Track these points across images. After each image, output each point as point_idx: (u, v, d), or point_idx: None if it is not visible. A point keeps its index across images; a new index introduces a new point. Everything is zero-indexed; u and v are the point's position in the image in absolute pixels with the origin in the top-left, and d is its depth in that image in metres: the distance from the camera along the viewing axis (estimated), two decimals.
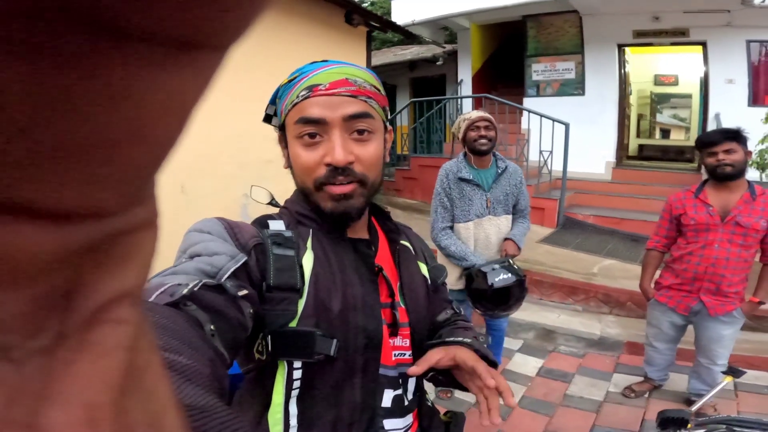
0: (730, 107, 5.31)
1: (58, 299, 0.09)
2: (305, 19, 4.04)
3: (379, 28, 5.20)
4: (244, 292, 0.56)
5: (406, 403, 0.74)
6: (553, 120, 4.84)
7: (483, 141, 2.14)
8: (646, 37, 6.03)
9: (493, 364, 0.70)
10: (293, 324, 0.63)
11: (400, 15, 7.31)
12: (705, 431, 1.25)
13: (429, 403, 0.81)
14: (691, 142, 7.06)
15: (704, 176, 2.19)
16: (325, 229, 0.71)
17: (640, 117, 8.48)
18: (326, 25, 4.34)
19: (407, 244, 0.83)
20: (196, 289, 0.49)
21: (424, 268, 0.83)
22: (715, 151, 2.01)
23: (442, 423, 0.81)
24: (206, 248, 0.58)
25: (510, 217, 2.29)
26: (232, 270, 0.56)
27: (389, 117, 0.75)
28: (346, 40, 4.64)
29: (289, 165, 0.72)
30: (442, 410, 0.84)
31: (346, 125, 0.66)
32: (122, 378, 0.10)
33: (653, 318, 2.38)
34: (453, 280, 2.20)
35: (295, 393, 0.65)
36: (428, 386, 0.84)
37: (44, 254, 0.09)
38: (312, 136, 0.66)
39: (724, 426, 1.24)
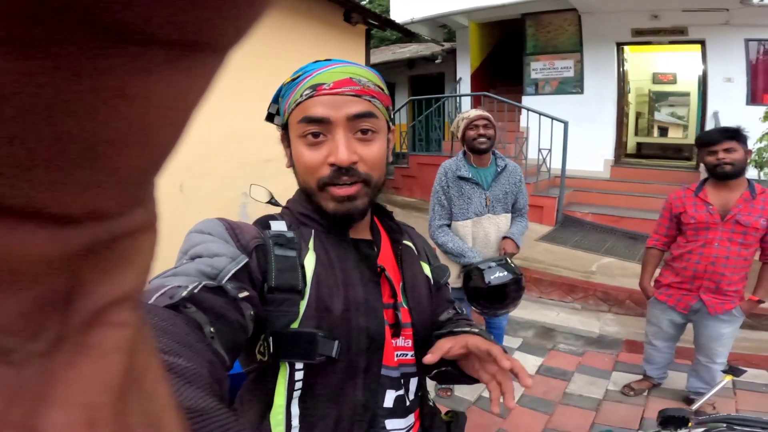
0: (729, 106, 5.32)
1: (57, 302, 0.09)
2: (304, 17, 4.03)
3: (378, 27, 5.19)
4: (245, 294, 0.56)
5: (408, 403, 0.73)
6: (552, 118, 4.84)
7: (482, 140, 2.14)
8: (644, 36, 6.04)
9: None
10: (295, 325, 0.63)
11: (399, 13, 7.30)
12: (705, 429, 1.25)
13: (431, 403, 0.80)
14: (690, 141, 7.12)
15: (702, 174, 2.20)
16: (328, 229, 0.71)
17: (638, 115, 8.50)
18: (325, 24, 4.34)
19: (410, 244, 0.83)
20: (196, 291, 0.49)
21: (426, 268, 0.83)
22: (715, 150, 2.01)
23: (444, 423, 0.80)
24: (207, 249, 0.57)
25: (509, 215, 2.29)
26: (232, 272, 0.56)
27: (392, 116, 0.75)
28: (345, 39, 4.63)
29: (291, 164, 0.72)
30: (442, 409, 0.83)
31: (349, 125, 0.65)
32: (121, 380, 0.10)
33: (653, 316, 2.39)
34: (452, 278, 2.20)
35: (296, 394, 0.65)
36: (428, 385, 0.84)
37: (44, 257, 0.09)
38: (315, 135, 0.65)
39: (725, 424, 1.24)
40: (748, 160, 2.09)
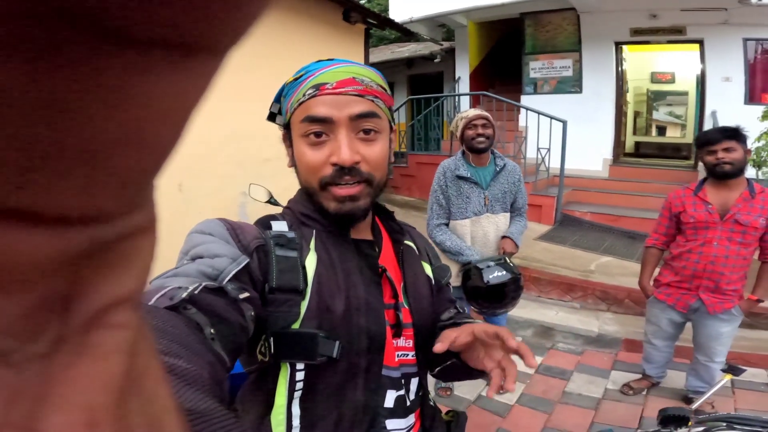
0: (727, 105, 5.34)
1: (57, 303, 0.09)
2: (303, 17, 4.02)
3: (377, 26, 5.19)
4: (246, 294, 0.55)
5: (408, 403, 0.73)
6: (551, 117, 4.85)
7: (480, 139, 2.15)
8: (643, 35, 6.05)
9: None
10: (296, 325, 0.63)
11: (398, 12, 7.30)
12: (705, 429, 1.25)
13: (431, 403, 0.80)
14: (687, 140, 7.14)
15: (700, 174, 2.20)
16: (329, 229, 0.71)
17: (636, 114, 8.51)
18: (324, 23, 4.33)
19: (411, 244, 0.83)
20: (196, 292, 0.48)
21: (428, 268, 0.83)
22: (714, 150, 2.01)
23: (444, 422, 0.80)
24: (208, 250, 0.57)
25: (508, 215, 2.30)
26: (233, 272, 0.56)
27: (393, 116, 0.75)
28: (344, 38, 4.63)
29: (293, 164, 0.72)
30: (442, 409, 0.83)
31: (352, 125, 0.65)
32: (122, 381, 0.10)
33: (652, 315, 2.39)
34: (452, 277, 2.20)
35: (297, 394, 0.64)
36: (428, 384, 0.84)
37: (43, 259, 0.09)
38: (318, 135, 0.65)
39: (725, 423, 1.25)
40: (748, 160, 2.09)
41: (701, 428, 1.26)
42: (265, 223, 0.71)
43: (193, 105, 0.09)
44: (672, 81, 8.17)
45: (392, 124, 0.74)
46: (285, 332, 0.62)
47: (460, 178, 2.19)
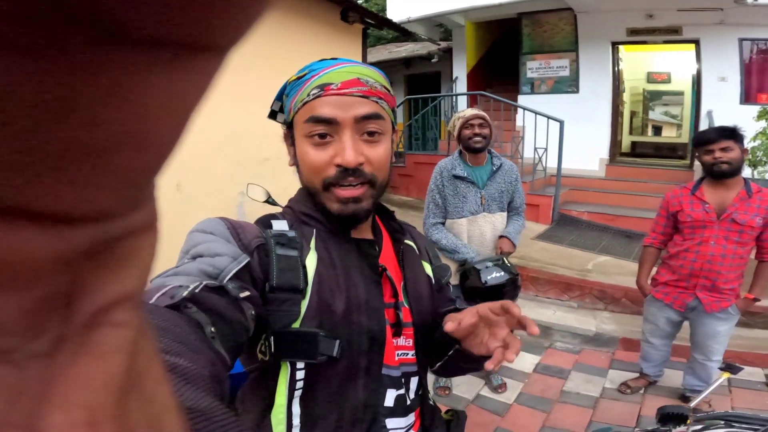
0: (723, 105, 5.36)
1: (58, 302, 0.09)
2: (301, 17, 4.02)
3: (375, 26, 5.19)
4: (246, 293, 0.55)
5: (408, 402, 0.73)
6: (548, 117, 4.86)
7: (477, 139, 2.16)
8: (639, 35, 6.06)
9: None
10: (296, 325, 0.63)
11: (396, 12, 7.30)
12: (704, 427, 1.26)
13: (431, 402, 0.80)
14: (683, 139, 7.16)
15: (696, 173, 2.21)
16: (330, 229, 0.71)
17: (633, 114, 8.54)
18: (322, 23, 4.33)
19: (411, 243, 0.83)
20: (197, 291, 0.48)
21: (428, 268, 0.83)
22: (711, 149, 2.02)
23: (444, 422, 0.80)
24: (208, 249, 0.57)
25: (505, 214, 2.30)
26: (234, 271, 0.56)
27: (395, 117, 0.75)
28: (342, 38, 4.63)
29: (294, 162, 0.71)
30: (442, 408, 0.83)
31: (357, 126, 0.65)
32: (123, 380, 0.10)
33: (649, 314, 2.40)
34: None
35: (298, 393, 0.64)
36: (428, 384, 0.84)
37: (44, 257, 0.09)
38: (322, 136, 0.65)
39: (723, 421, 1.25)
40: (745, 159, 2.10)
41: (699, 426, 1.27)
42: (265, 222, 0.70)
43: (194, 104, 0.09)
44: (668, 81, 8.19)
45: (394, 124, 0.73)
46: (285, 331, 0.62)
47: (456, 177, 2.20)
